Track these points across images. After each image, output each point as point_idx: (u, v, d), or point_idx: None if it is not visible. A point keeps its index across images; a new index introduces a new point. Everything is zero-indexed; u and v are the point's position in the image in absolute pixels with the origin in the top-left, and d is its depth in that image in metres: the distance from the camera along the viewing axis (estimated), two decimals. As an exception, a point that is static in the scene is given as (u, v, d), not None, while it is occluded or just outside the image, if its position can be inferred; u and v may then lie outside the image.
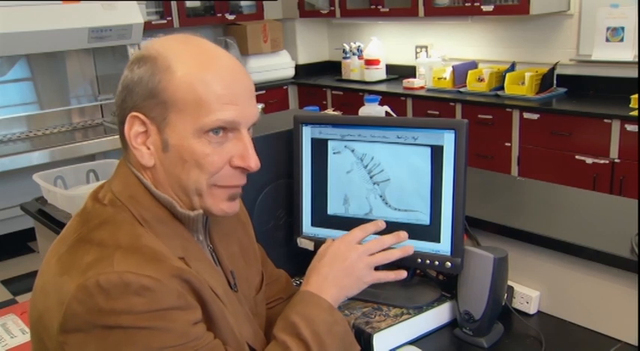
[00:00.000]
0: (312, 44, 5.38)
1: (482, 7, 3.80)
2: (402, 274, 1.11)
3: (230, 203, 0.95)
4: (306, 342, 0.93)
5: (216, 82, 0.87)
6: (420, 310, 1.21)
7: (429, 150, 1.19)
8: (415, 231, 1.21)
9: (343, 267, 1.04)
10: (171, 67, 0.87)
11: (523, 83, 3.68)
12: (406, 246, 1.12)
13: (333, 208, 1.31)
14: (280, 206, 1.42)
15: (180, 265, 0.86)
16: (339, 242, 1.08)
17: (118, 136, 0.93)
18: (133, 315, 0.79)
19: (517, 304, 1.30)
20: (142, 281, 0.79)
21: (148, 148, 0.90)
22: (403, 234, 1.12)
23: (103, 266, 0.80)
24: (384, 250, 1.09)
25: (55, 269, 0.85)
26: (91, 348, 0.79)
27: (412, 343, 1.19)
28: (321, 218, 1.32)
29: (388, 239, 1.10)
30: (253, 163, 0.91)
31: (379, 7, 4.44)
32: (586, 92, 3.68)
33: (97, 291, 0.78)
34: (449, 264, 1.19)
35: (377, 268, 1.08)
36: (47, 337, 0.83)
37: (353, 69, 4.79)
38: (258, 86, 4.86)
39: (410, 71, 4.51)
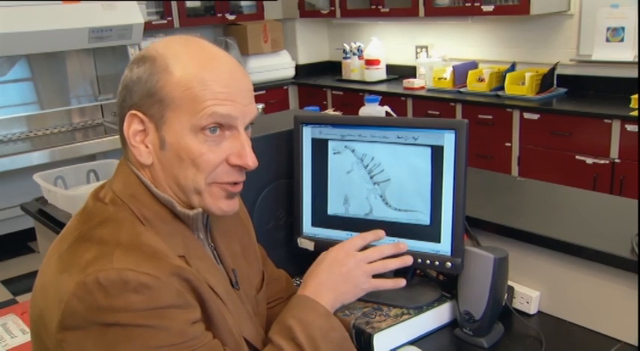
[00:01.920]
0: (312, 44, 5.38)
1: (482, 7, 3.80)
2: (401, 282, 1.11)
3: (229, 201, 0.94)
4: (302, 346, 0.93)
5: (214, 82, 0.87)
6: (420, 310, 1.21)
7: (429, 150, 1.19)
8: (415, 231, 1.21)
9: (341, 273, 1.04)
10: (169, 68, 0.87)
11: (523, 83, 3.68)
12: (405, 256, 1.12)
13: (334, 208, 1.31)
14: (280, 206, 1.42)
15: (180, 263, 0.86)
16: (339, 249, 1.08)
17: (118, 137, 0.94)
18: (132, 313, 0.79)
19: (517, 304, 1.30)
20: (141, 279, 0.79)
21: (147, 147, 0.90)
22: (403, 245, 1.13)
23: (103, 263, 0.80)
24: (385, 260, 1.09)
25: (55, 267, 0.85)
26: (88, 345, 0.79)
27: (412, 343, 1.19)
28: (322, 218, 1.32)
29: (387, 249, 1.10)
30: (250, 160, 0.91)
31: (379, 7, 4.44)
32: (586, 92, 3.68)
33: (96, 288, 0.78)
34: (449, 264, 1.19)
35: (375, 277, 1.08)
36: (46, 335, 0.83)
37: (353, 69, 4.79)
38: (258, 86, 4.86)
39: (410, 71, 4.51)
